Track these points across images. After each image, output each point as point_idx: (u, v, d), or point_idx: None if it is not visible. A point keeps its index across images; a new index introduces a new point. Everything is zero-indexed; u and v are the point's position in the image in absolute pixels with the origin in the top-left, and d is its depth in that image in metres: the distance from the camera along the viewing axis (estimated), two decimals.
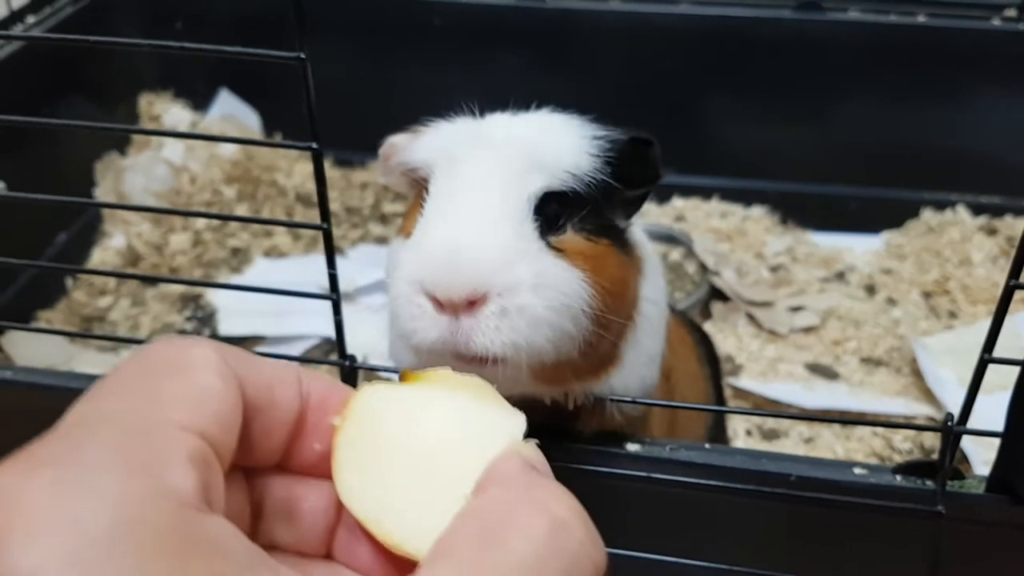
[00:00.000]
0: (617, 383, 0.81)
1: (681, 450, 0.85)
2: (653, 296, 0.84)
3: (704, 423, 1.21)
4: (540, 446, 0.50)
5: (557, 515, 0.44)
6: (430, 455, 0.51)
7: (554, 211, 0.73)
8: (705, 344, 1.34)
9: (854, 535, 0.85)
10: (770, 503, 0.82)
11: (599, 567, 0.45)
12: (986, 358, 0.76)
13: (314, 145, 0.72)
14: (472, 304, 0.68)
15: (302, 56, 0.68)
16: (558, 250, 0.72)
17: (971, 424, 0.80)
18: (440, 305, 0.68)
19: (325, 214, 0.77)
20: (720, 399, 1.30)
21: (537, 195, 0.72)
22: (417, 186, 0.79)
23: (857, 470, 0.84)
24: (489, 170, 0.72)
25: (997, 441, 0.80)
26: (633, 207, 0.82)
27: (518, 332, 0.68)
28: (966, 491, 0.82)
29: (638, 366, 0.83)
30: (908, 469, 0.84)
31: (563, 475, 0.47)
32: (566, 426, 0.83)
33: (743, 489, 0.82)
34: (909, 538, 0.83)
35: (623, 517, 0.86)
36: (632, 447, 0.85)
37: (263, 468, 0.53)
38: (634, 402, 0.83)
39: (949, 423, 0.79)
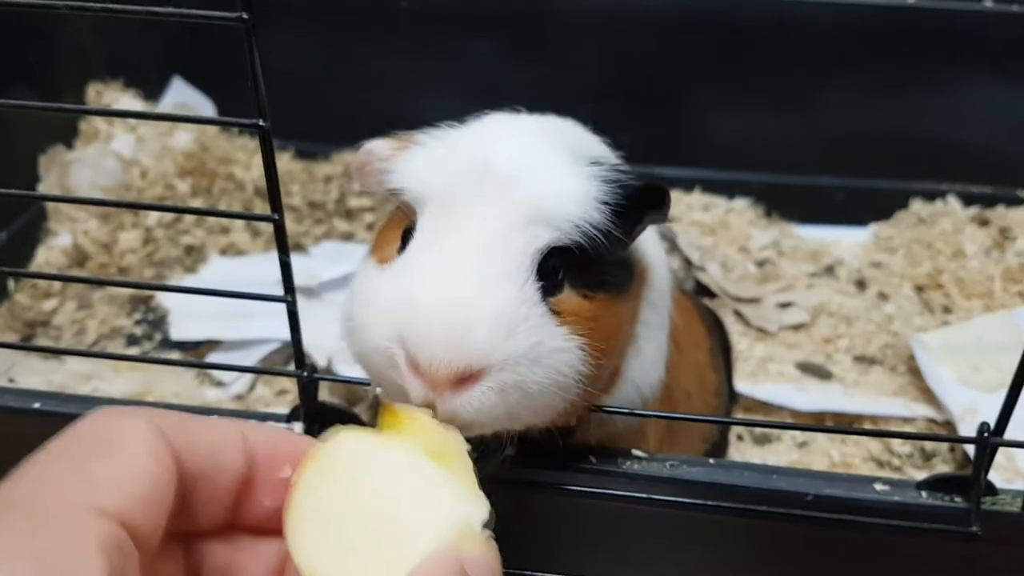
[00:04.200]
0: (620, 395, 0.74)
1: (683, 467, 0.75)
2: (653, 298, 0.76)
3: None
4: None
5: None
6: (383, 522, 0.51)
7: (552, 266, 0.64)
8: (719, 329, 1.26)
9: (878, 560, 0.76)
10: (784, 525, 0.73)
11: None
12: None
13: (260, 122, 0.61)
14: (462, 381, 0.59)
15: (244, 16, 0.58)
16: (556, 313, 0.63)
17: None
18: (418, 370, 0.59)
19: (276, 204, 0.67)
20: (731, 392, 1.21)
21: (542, 251, 0.63)
22: (399, 204, 0.69)
23: (878, 486, 0.75)
24: (492, 220, 0.62)
25: None
26: (633, 237, 0.71)
27: (509, 407, 0.61)
28: (1001, 508, 0.73)
29: (639, 373, 0.75)
30: (935, 484, 0.75)
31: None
32: (564, 440, 0.73)
33: (754, 511, 0.72)
34: (940, 562, 0.74)
35: (620, 542, 0.77)
36: (629, 465, 0.76)
37: (205, 532, 0.52)
38: (632, 413, 0.73)
39: (985, 433, 0.70)
